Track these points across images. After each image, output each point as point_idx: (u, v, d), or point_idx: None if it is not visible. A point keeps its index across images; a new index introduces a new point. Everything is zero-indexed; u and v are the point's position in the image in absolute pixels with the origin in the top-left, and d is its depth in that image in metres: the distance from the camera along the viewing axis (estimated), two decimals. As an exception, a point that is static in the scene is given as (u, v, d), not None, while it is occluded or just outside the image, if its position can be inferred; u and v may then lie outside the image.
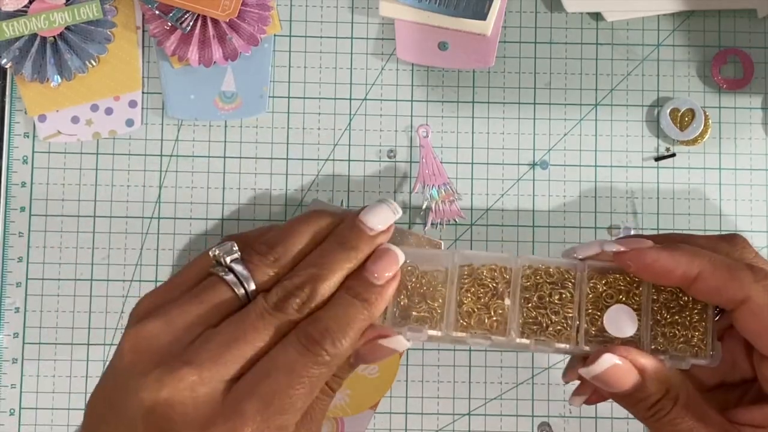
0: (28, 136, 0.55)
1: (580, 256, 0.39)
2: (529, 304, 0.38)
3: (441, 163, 0.55)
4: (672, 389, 0.37)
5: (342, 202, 0.54)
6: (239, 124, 0.55)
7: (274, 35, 0.55)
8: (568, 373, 0.42)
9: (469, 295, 0.39)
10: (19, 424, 0.53)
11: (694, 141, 0.55)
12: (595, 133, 0.55)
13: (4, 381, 0.53)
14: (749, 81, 0.55)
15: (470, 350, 0.54)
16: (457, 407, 0.54)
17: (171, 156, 0.55)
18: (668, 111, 0.54)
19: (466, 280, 0.39)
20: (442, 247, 0.53)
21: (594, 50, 0.55)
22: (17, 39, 0.52)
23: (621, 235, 0.40)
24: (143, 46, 0.55)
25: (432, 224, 0.54)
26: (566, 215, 0.55)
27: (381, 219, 0.40)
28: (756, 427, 0.37)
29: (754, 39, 0.55)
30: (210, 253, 0.39)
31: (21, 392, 0.53)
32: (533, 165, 0.55)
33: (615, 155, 0.55)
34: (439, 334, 0.39)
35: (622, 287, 0.39)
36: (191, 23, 0.52)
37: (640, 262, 0.37)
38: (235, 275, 0.38)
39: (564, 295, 0.38)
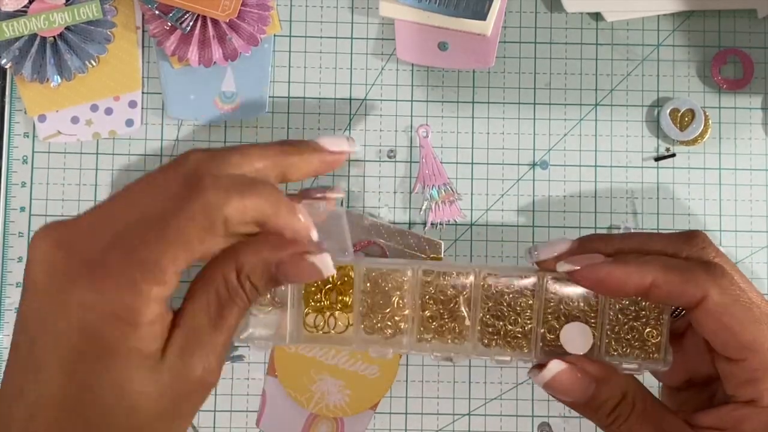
0: (28, 136, 0.55)
1: (543, 257, 0.39)
2: (489, 312, 0.39)
3: (441, 163, 0.55)
4: (628, 395, 0.37)
5: (342, 202, 0.54)
6: (239, 124, 0.55)
7: (274, 35, 0.55)
8: (533, 372, 0.42)
9: (431, 302, 0.39)
10: (19, 424, 0.53)
11: (694, 141, 0.55)
12: (595, 133, 0.55)
13: (4, 381, 0.53)
14: (749, 81, 0.55)
15: (470, 350, 0.54)
16: (457, 407, 0.54)
17: (171, 156, 0.55)
18: (668, 111, 0.54)
19: (430, 287, 0.39)
20: (442, 248, 0.53)
21: (594, 50, 0.55)
22: (17, 39, 0.52)
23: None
24: (143, 46, 0.55)
25: (432, 224, 0.54)
26: (566, 215, 0.55)
27: (333, 140, 0.38)
28: (715, 430, 0.36)
29: (754, 39, 0.55)
30: None
31: (21, 392, 0.53)
32: (533, 165, 0.55)
33: (615, 155, 0.55)
34: (402, 350, 0.39)
35: (581, 295, 0.39)
36: (191, 23, 0.52)
37: (593, 278, 0.37)
38: None
39: (524, 303, 0.39)
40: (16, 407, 0.32)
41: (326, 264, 0.35)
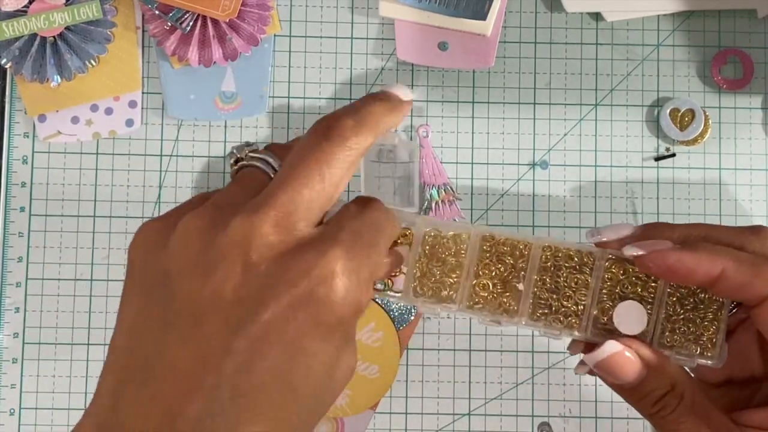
0: (28, 136, 0.55)
1: (605, 238, 0.39)
2: (544, 286, 0.38)
3: (441, 163, 0.55)
4: (677, 386, 0.36)
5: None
6: (239, 124, 0.55)
7: (274, 35, 0.55)
8: (574, 346, 0.42)
9: (486, 270, 0.39)
10: (19, 424, 0.53)
11: (694, 141, 0.55)
12: (595, 133, 0.55)
13: (4, 381, 0.53)
14: (749, 81, 0.55)
15: (470, 350, 0.54)
16: (457, 407, 0.54)
17: (171, 156, 0.55)
18: (668, 111, 0.54)
19: (487, 254, 0.39)
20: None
21: (594, 50, 0.55)
22: (17, 39, 0.52)
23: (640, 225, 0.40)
24: (143, 46, 0.55)
25: (432, 224, 0.54)
26: (566, 215, 0.55)
27: (403, 90, 0.38)
28: (763, 430, 0.36)
29: (754, 39, 0.55)
30: (230, 153, 0.39)
31: (21, 392, 0.53)
32: (533, 165, 0.55)
33: (615, 155, 0.55)
34: (452, 310, 0.39)
35: (640, 279, 0.38)
36: (191, 23, 0.52)
37: (662, 264, 0.36)
38: (262, 160, 0.35)
39: (580, 280, 0.38)
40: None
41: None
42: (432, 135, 0.55)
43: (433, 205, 0.54)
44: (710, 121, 0.55)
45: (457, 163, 0.55)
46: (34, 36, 0.52)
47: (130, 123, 0.54)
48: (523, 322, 0.38)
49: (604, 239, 0.38)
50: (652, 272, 0.37)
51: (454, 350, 0.54)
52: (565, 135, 0.55)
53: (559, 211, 0.55)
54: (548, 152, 0.55)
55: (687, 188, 0.55)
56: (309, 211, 0.32)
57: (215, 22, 0.52)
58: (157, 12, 0.52)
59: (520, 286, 0.38)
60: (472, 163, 0.55)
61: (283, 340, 0.30)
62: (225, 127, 0.55)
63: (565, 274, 0.38)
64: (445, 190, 0.54)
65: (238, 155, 0.36)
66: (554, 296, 0.38)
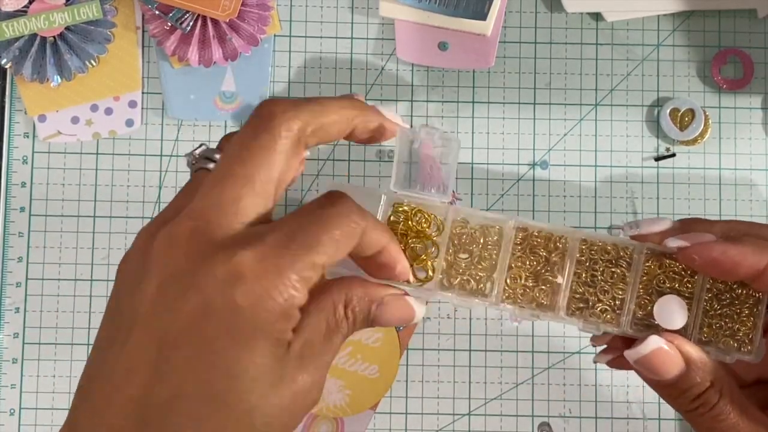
0: (28, 136, 0.55)
1: (644, 231, 0.38)
2: (579, 280, 0.38)
3: (441, 163, 0.55)
4: (717, 382, 0.36)
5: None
6: (239, 124, 0.55)
7: (274, 35, 0.55)
8: (599, 338, 0.41)
9: (519, 263, 0.38)
10: (19, 424, 0.53)
11: (694, 141, 0.55)
12: (595, 133, 0.55)
13: (4, 381, 0.53)
14: (749, 81, 0.55)
15: (470, 350, 0.54)
16: (457, 407, 0.54)
17: (171, 156, 0.55)
18: (668, 111, 0.54)
19: (519, 247, 0.38)
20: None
21: (594, 50, 0.55)
22: (17, 39, 0.52)
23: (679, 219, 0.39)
24: (143, 46, 0.55)
25: (432, 224, 0.54)
26: (566, 215, 0.55)
27: (389, 111, 0.38)
28: None
29: (754, 39, 0.55)
30: (185, 160, 0.37)
31: (21, 392, 0.53)
32: (533, 165, 0.55)
33: (615, 155, 0.55)
34: (486, 304, 0.37)
35: (677, 273, 0.38)
36: (191, 23, 0.52)
37: (707, 256, 0.35)
38: (209, 160, 0.35)
39: (617, 274, 0.38)
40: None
41: (421, 308, 0.35)
42: (432, 135, 0.55)
43: (433, 205, 0.54)
44: (710, 121, 0.55)
45: (457, 163, 0.55)
46: (34, 36, 0.52)
47: (130, 123, 0.54)
48: (562, 316, 0.37)
49: (643, 232, 0.38)
50: (696, 265, 0.36)
51: (454, 350, 0.54)
52: (565, 135, 0.55)
53: (559, 211, 0.55)
54: (548, 152, 0.55)
55: (687, 188, 0.55)
56: (236, 213, 0.31)
57: (215, 22, 0.52)
58: (157, 12, 0.52)
59: (559, 280, 0.37)
60: (472, 163, 0.55)
61: (198, 348, 0.29)
62: (225, 127, 0.55)
63: (601, 268, 0.37)
64: (445, 190, 0.54)
65: (190, 160, 0.36)
66: (591, 290, 0.38)
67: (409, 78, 0.55)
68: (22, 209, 0.54)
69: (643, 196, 0.55)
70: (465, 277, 0.37)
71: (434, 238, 0.37)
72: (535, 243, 0.38)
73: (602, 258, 0.38)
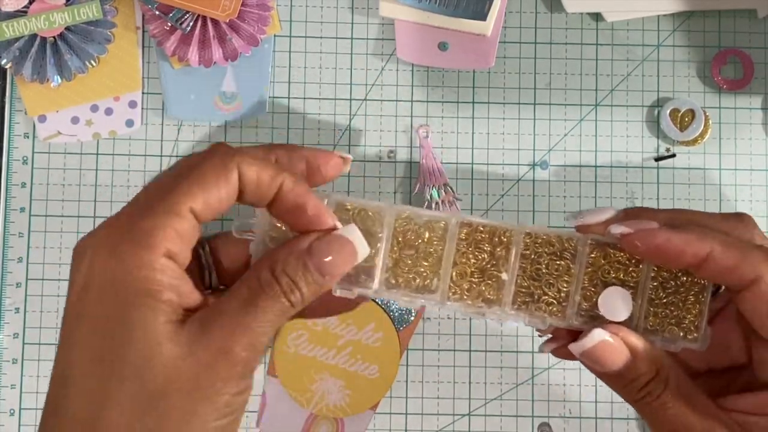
0: (28, 137, 0.55)
1: (588, 221, 0.38)
2: (524, 273, 0.38)
3: (441, 163, 0.55)
4: (662, 371, 0.36)
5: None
6: (239, 124, 0.55)
7: (274, 35, 0.55)
8: (546, 345, 0.41)
9: (464, 258, 0.37)
10: (19, 425, 0.53)
11: (694, 141, 0.55)
12: (595, 133, 0.55)
13: (4, 381, 0.53)
14: (749, 81, 0.55)
15: (470, 351, 0.54)
16: (457, 408, 0.54)
17: (171, 156, 0.55)
18: (668, 111, 0.54)
19: (464, 242, 0.38)
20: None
21: (594, 50, 0.55)
22: (17, 39, 0.52)
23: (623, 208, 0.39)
24: (143, 46, 0.54)
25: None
26: (566, 215, 0.55)
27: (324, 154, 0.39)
28: (748, 413, 0.36)
29: (754, 39, 0.55)
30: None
31: (21, 392, 0.53)
32: (533, 165, 0.55)
33: (615, 155, 0.55)
34: (431, 303, 0.37)
35: (621, 263, 0.38)
36: (191, 23, 0.52)
37: (650, 243, 0.35)
38: None
39: (561, 267, 0.37)
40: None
41: (356, 235, 0.35)
42: (432, 135, 0.55)
43: (433, 205, 0.54)
44: (710, 122, 0.55)
45: (457, 163, 0.55)
46: (34, 36, 0.52)
47: (130, 123, 0.54)
48: (508, 311, 0.37)
49: (587, 222, 0.38)
50: (639, 252, 0.36)
51: (454, 351, 0.54)
52: (565, 135, 0.55)
53: (559, 212, 0.55)
54: (548, 152, 0.55)
55: (687, 188, 0.55)
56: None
57: (215, 22, 0.52)
58: (157, 12, 0.52)
59: (504, 276, 0.37)
60: (472, 164, 0.55)
61: (92, 320, 0.32)
62: (225, 127, 0.55)
63: (546, 261, 0.37)
64: (445, 190, 0.54)
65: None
66: (536, 284, 0.37)
67: (409, 78, 0.55)
68: (22, 209, 0.54)
69: (643, 196, 0.55)
70: (411, 275, 0.37)
71: (379, 235, 0.37)
72: (480, 238, 0.38)
73: (546, 251, 0.37)
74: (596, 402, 0.54)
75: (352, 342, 0.53)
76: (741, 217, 0.38)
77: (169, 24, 0.52)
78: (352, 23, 0.55)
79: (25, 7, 0.52)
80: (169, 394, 0.31)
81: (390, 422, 0.54)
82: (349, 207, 0.37)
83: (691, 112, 0.54)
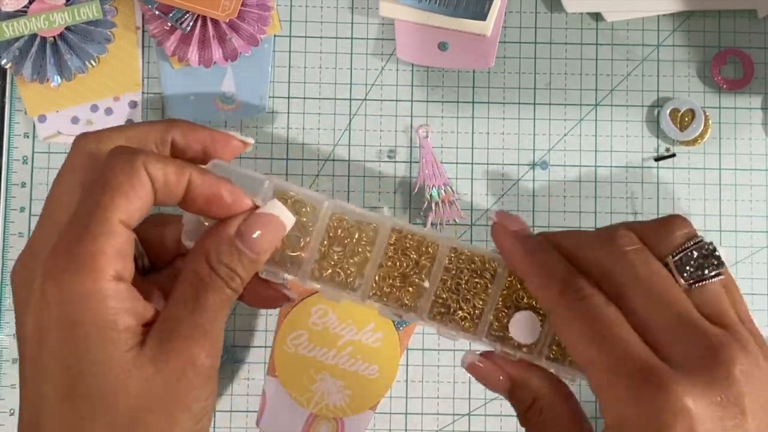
0: (28, 137, 0.55)
1: (497, 219, 0.38)
2: (444, 286, 0.38)
3: (441, 163, 0.55)
4: (537, 401, 0.37)
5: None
6: (239, 125, 0.55)
7: (274, 35, 0.55)
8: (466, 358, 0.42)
9: (390, 262, 0.38)
10: (19, 425, 0.53)
11: (694, 141, 0.55)
12: (595, 133, 0.55)
13: (4, 381, 0.53)
14: (749, 81, 0.55)
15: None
16: (457, 407, 0.54)
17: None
18: (668, 111, 0.54)
19: (392, 247, 0.38)
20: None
21: (594, 50, 0.55)
22: (17, 39, 0.52)
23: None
24: (143, 46, 0.55)
25: (432, 224, 0.54)
26: (566, 215, 0.55)
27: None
28: None
29: (754, 39, 0.55)
30: None
31: (21, 392, 0.53)
32: (533, 165, 0.55)
33: (615, 155, 0.55)
34: (353, 298, 0.38)
35: None
36: (191, 23, 0.52)
37: (498, 237, 0.37)
38: None
39: (480, 285, 0.38)
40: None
41: (279, 207, 0.35)
42: (432, 135, 0.55)
43: (433, 205, 0.54)
44: (710, 122, 0.55)
45: (457, 163, 0.55)
46: (34, 36, 0.52)
47: (130, 123, 0.54)
48: (424, 318, 0.38)
49: (497, 219, 0.38)
50: (495, 244, 0.37)
51: (454, 350, 0.54)
52: (565, 135, 0.55)
53: (559, 212, 0.55)
54: (548, 152, 0.55)
55: (687, 188, 0.55)
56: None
57: (215, 22, 0.52)
58: (157, 12, 0.52)
59: (426, 284, 0.38)
60: (472, 164, 0.55)
61: (58, 343, 0.32)
62: (225, 127, 0.55)
63: (466, 277, 0.38)
64: (445, 190, 0.54)
65: None
66: (454, 297, 0.38)
67: (409, 78, 0.55)
68: (22, 209, 0.54)
69: (643, 196, 0.55)
70: (336, 270, 0.38)
71: (309, 228, 0.37)
72: (408, 245, 0.39)
73: (468, 267, 0.38)
74: (596, 402, 0.54)
75: (352, 342, 0.53)
76: (668, 221, 0.36)
77: (169, 24, 0.52)
78: (352, 23, 0.55)
79: (25, 7, 0.52)
80: (145, 416, 0.32)
81: (390, 422, 0.54)
82: (287, 197, 0.38)
83: (691, 112, 0.54)
